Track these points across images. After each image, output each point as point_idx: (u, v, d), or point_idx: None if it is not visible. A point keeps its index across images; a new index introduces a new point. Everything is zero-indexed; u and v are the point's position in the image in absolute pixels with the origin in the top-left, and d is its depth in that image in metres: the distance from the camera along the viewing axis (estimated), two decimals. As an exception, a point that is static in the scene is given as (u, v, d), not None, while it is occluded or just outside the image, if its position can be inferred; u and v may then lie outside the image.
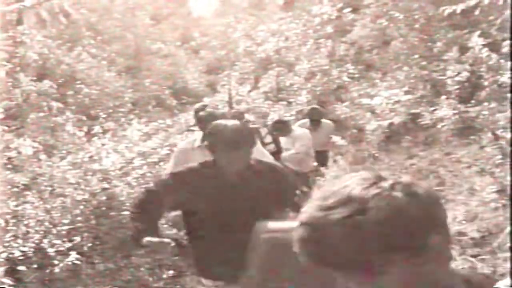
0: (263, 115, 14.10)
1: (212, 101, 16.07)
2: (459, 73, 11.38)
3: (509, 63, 10.47)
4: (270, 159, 5.47)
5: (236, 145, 3.54)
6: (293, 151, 7.95)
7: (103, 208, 6.77)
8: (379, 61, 15.11)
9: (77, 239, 6.25)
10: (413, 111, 11.75)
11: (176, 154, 5.40)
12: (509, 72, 10.17)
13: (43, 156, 7.68)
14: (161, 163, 7.90)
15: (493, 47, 11.21)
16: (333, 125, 9.95)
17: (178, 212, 4.82)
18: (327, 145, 9.77)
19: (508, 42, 10.57)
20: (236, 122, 3.78)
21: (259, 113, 14.29)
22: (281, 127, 8.21)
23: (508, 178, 7.52)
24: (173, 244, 3.59)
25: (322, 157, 9.30)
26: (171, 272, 6.46)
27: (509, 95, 9.90)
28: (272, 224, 2.68)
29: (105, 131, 8.84)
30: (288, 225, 2.04)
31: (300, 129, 8.58)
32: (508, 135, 8.19)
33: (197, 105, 6.77)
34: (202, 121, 5.65)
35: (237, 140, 3.55)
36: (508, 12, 9.53)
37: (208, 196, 3.64)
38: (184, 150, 5.37)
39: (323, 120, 9.56)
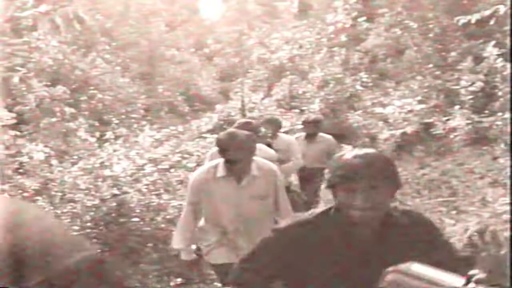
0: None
1: (225, 108, 16.09)
2: (473, 83, 11.33)
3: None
4: (272, 157, 5.25)
5: (374, 182, 2.32)
6: (298, 160, 7.23)
7: (113, 215, 6.77)
8: (392, 70, 15.07)
9: (87, 245, 6.24)
10: (426, 120, 11.70)
11: (194, 184, 4.36)
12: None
13: (54, 162, 7.71)
14: (172, 170, 7.90)
15: (508, 57, 11.15)
16: (334, 141, 8.59)
17: None
18: (320, 163, 8.00)
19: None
20: (368, 150, 2.50)
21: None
22: (271, 127, 7.35)
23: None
24: None
25: (312, 177, 8.12)
26: (179, 280, 6.44)
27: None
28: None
29: (117, 137, 8.88)
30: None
31: (286, 135, 7.76)
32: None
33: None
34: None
35: (374, 175, 2.34)
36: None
37: (328, 261, 2.49)
38: (203, 180, 4.35)
39: (321, 134, 8.39)
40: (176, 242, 4.50)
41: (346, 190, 2.33)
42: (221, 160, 4.29)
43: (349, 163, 2.33)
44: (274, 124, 7.49)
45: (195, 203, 4.39)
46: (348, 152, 2.42)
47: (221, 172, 4.25)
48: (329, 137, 8.55)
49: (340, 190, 2.36)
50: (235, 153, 4.13)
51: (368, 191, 2.30)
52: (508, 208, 7.46)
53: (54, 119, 11.22)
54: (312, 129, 8.27)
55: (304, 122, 8.47)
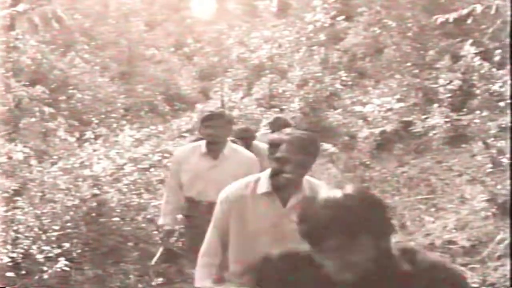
0: (255, 122, 14.09)
1: (205, 107, 16.06)
2: (451, 81, 11.42)
3: (500, 71, 10.53)
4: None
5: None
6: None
7: (93, 214, 6.77)
8: (371, 69, 15.14)
9: (67, 245, 6.24)
10: (405, 119, 11.78)
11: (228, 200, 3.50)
12: (500, 81, 10.22)
13: (34, 162, 7.67)
14: (152, 170, 7.89)
15: (485, 55, 11.25)
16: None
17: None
18: None
19: (499, 51, 10.63)
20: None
21: (251, 120, 14.28)
22: (246, 136, 6.71)
23: (499, 187, 7.54)
24: None
25: None
26: (160, 279, 6.44)
27: (501, 103, 9.95)
28: None
29: (97, 137, 8.84)
30: None
31: (260, 142, 6.77)
32: (499, 144, 8.21)
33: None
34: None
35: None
36: (499, 21, 9.58)
37: None
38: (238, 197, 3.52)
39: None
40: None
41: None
42: (264, 174, 3.37)
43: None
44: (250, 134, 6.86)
45: (225, 230, 3.42)
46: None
47: (264, 187, 3.30)
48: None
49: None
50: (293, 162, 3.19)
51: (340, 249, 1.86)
52: (486, 204, 7.55)
53: (33, 119, 11.15)
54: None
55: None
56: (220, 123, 5.10)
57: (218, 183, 4.28)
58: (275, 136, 3.37)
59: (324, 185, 3.17)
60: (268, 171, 3.32)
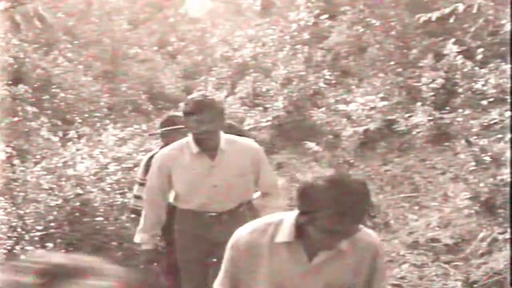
0: (239, 120, 14.09)
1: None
2: (434, 80, 11.46)
3: (483, 70, 10.60)
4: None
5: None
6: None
7: (77, 214, 6.75)
8: (355, 68, 15.17)
9: (50, 245, 6.22)
10: (388, 117, 11.80)
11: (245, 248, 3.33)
12: (483, 79, 10.29)
13: (16, 161, 7.64)
14: (136, 169, 7.87)
15: (468, 54, 11.32)
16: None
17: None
18: None
19: (481, 49, 10.71)
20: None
21: (235, 119, 14.28)
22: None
23: (481, 184, 7.59)
24: None
25: None
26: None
27: (483, 102, 10.02)
28: None
29: (80, 136, 8.82)
30: None
31: None
32: (481, 142, 8.26)
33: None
34: None
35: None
36: (481, 20, 9.64)
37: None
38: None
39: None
40: None
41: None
42: (289, 216, 2.67)
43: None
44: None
45: (236, 283, 2.84)
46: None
47: (285, 235, 2.63)
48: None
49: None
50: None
51: None
52: (468, 202, 7.60)
53: (15, 119, 11.10)
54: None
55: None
56: (212, 114, 4.10)
57: (223, 188, 4.08)
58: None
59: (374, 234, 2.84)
60: (294, 214, 2.59)
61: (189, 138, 4.24)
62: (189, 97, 4.28)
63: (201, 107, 4.09)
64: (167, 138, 5.27)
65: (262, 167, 4.32)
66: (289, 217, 2.62)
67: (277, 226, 2.65)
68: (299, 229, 2.56)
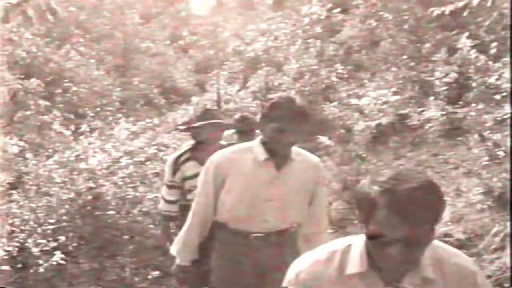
0: (252, 114, 14.09)
1: (201, 100, 16.06)
2: (447, 74, 11.41)
3: (496, 64, 10.53)
4: None
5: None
6: None
7: (89, 208, 6.75)
8: (368, 62, 15.12)
9: (62, 238, 6.24)
10: (401, 111, 11.76)
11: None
12: (496, 73, 10.21)
13: (29, 155, 7.66)
14: (148, 163, 7.88)
15: (481, 48, 11.24)
16: None
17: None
18: None
19: (495, 44, 10.63)
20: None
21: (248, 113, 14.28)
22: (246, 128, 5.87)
23: (495, 179, 7.55)
24: None
25: None
26: (156, 272, 6.44)
27: (497, 96, 9.95)
28: None
29: (92, 130, 8.83)
30: None
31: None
32: (495, 137, 8.22)
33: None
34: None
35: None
36: (495, 14, 9.57)
37: None
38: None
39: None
40: None
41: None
42: (357, 242, 2.16)
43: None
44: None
45: None
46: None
47: (357, 264, 2.13)
48: None
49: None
50: None
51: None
52: (481, 197, 7.55)
53: (28, 112, 11.14)
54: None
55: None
56: (307, 126, 3.40)
57: (279, 203, 3.45)
58: None
59: None
60: (362, 238, 2.10)
61: (255, 142, 3.51)
62: (275, 99, 3.51)
63: (301, 116, 3.34)
64: (204, 134, 4.84)
65: (320, 188, 3.66)
66: (358, 242, 2.13)
67: (344, 254, 2.15)
68: (371, 256, 2.07)
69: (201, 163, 3.97)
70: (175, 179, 4.85)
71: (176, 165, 4.82)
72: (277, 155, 3.41)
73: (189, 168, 4.83)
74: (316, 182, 3.58)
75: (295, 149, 3.49)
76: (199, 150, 4.81)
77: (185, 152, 4.89)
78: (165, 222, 5.19)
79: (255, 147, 3.49)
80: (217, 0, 18.69)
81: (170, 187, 4.92)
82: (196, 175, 4.07)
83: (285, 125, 3.29)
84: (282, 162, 3.44)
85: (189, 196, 4.68)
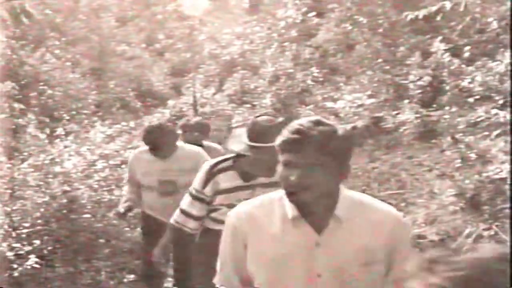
0: (227, 118, 14.11)
1: (177, 103, 16.07)
2: (421, 77, 11.52)
3: (469, 68, 10.67)
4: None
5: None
6: None
7: (64, 211, 6.73)
8: (343, 65, 15.21)
9: (37, 242, 6.21)
10: (376, 114, 11.85)
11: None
12: (469, 77, 10.35)
13: (3, 158, 7.61)
14: (123, 166, 7.87)
15: (455, 52, 11.38)
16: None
17: None
18: None
19: (468, 47, 10.76)
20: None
21: (223, 116, 14.31)
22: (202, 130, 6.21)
23: (467, 181, 7.65)
24: None
25: None
26: (131, 276, 6.44)
27: (470, 99, 10.08)
28: None
29: (67, 133, 8.80)
30: None
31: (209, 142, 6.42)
32: (467, 139, 8.32)
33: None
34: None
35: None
36: (468, 18, 9.70)
37: None
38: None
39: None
40: None
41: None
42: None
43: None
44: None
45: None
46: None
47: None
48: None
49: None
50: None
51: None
52: (454, 199, 7.65)
53: (3, 115, 11.05)
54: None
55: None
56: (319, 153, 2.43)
57: (332, 280, 2.16)
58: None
59: None
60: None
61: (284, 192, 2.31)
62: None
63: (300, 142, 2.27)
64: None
65: (401, 250, 2.36)
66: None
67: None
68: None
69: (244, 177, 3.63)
70: (204, 191, 3.72)
71: (211, 175, 3.71)
72: (312, 211, 2.28)
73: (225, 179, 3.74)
74: (394, 243, 2.34)
75: (351, 197, 2.40)
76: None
77: (222, 161, 3.78)
78: (172, 237, 4.26)
79: (283, 198, 2.33)
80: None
81: (195, 198, 3.77)
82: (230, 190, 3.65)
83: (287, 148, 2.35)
84: (322, 220, 2.30)
85: (213, 214, 3.79)
